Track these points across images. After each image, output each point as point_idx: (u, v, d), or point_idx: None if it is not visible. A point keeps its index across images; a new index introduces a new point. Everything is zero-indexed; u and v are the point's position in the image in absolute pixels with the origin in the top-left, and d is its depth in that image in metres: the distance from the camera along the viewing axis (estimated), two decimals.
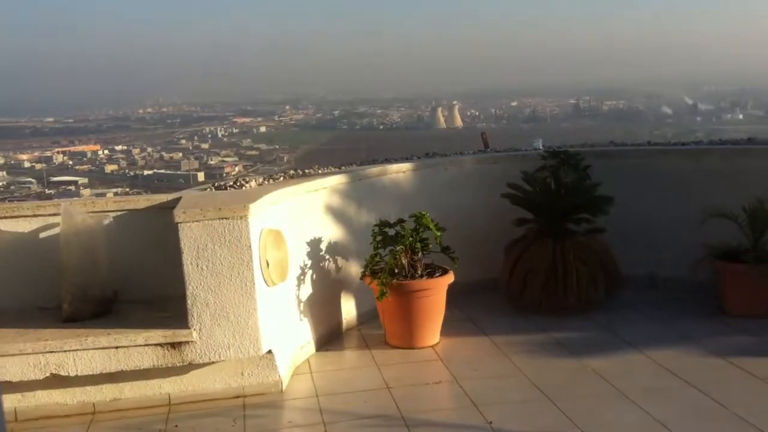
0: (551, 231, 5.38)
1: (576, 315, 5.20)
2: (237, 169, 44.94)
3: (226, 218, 3.78)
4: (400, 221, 4.78)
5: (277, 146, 55.98)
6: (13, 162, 49.10)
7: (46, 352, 3.66)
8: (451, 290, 4.90)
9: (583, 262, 5.22)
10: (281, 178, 5.01)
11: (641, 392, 3.86)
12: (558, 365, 4.39)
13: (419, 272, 4.73)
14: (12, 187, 40.34)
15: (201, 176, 41.59)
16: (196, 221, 3.76)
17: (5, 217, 4.15)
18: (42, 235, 4.20)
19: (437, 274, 4.80)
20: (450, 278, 4.81)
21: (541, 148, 6.35)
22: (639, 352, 4.52)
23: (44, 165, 47.72)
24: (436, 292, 4.76)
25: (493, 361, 4.50)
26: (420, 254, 4.74)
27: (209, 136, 60.05)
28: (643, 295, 5.65)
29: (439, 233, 4.73)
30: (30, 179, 43.20)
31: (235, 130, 63.38)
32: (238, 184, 4.74)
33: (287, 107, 79.05)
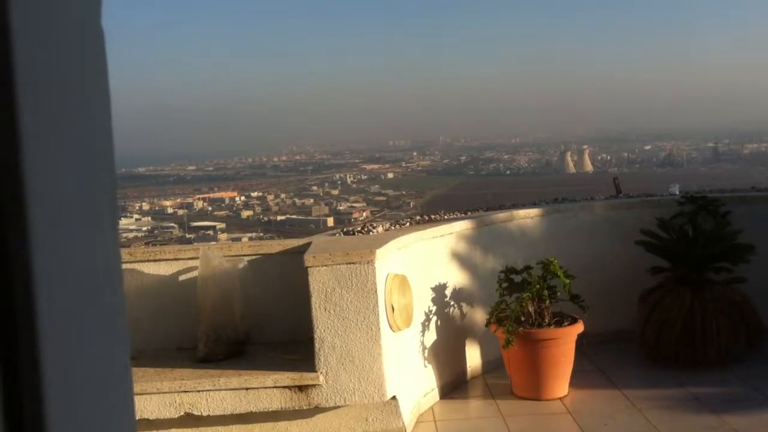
0: (689, 280, 5.12)
1: (715, 369, 4.89)
2: (365, 214, 45.81)
3: (353, 263, 3.84)
4: (527, 268, 4.69)
5: (404, 192, 56.70)
6: (157, 208, 52.31)
7: (181, 392, 3.82)
8: (581, 340, 4.73)
9: (723, 313, 4.92)
10: (407, 224, 5.06)
11: None
12: (695, 422, 4.13)
13: (547, 320, 4.61)
14: (155, 231, 42.88)
15: (330, 221, 42.66)
16: (325, 266, 3.84)
17: (149, 260, 4.41)
18: (181, 278, 4.42)
19: (566, 323, 4.66)
20: (579, 327, 4.66)
21: (677, 193, 6.08)
22: None
23: (185, 211, 50.56)
24: (564, 341, 4.62)
25: (625, 416, 4.29)
26: (548, 302, 4.63)
27: (339, 182, 61.72)
28: None
29: (567, 281, 4.61)
30: (172, 224, 45.81)
31: (363, 177, 64.83)
32: (366, 229, 4.82)
33: (414, 153, 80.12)
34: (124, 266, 4.42)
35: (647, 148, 74.44)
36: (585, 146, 72.39)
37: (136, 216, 47.58)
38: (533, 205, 5.87)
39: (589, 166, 66.29)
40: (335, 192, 57.08)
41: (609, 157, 71.18)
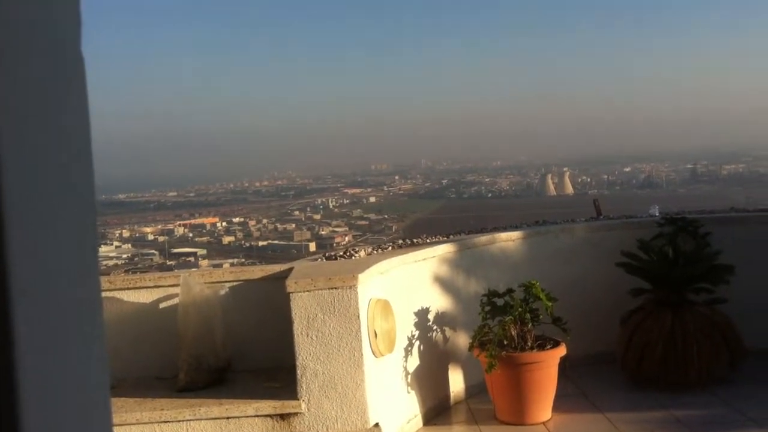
0: (669, 301, 5.15)
1: (697, 390, 4.90)
2: (347, 238, 45.72)
3: (335, 288, 3.83)
4: (510, 291, 4.70)
5: (386, 216, 56.73)
6: (137, 235, 51.91)
7: (162, 422, 3.76)
8: (564, 363, 4.73)
9: (705, 334, 4.95)
10: (390, 248, 5.06)
11: None
12: None
13: (529, 344, 4.61)
14: (136, 259, 42.51)
15: (313, 246, 42.53)
16: (307, 291, 3.83)
17: (129, 288, 4.37)
18: (162, 305, 4.38)
19: (548, 346, 4.66)
20: (562, 350, 4.66)
21: (657, 215, 6.14)
22: (765, 430, 4.19)
23: (166, 237, 50.21)
24: (547, 365, 4.62)
25: None
26: (530, 325, 4.63)
27: (321, 207, 61.64)
28: None
29: (550, 303, 4.62)
30: (153, 251, 45.44)
31: (345, 201, 64.80)
32: (348, 254, 4.81)
33: (396, 177, 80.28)
34: (103, 294, 4.36)
35: (627, 169, 75.14)
36: (565, 169, 72.95)
37: (116, 243, 47.17)
38: (515, 227, 5.90)
39: (569, 189, 66.76)
40: (317, 217, 57.00)
41: (589, 179, 71.73)
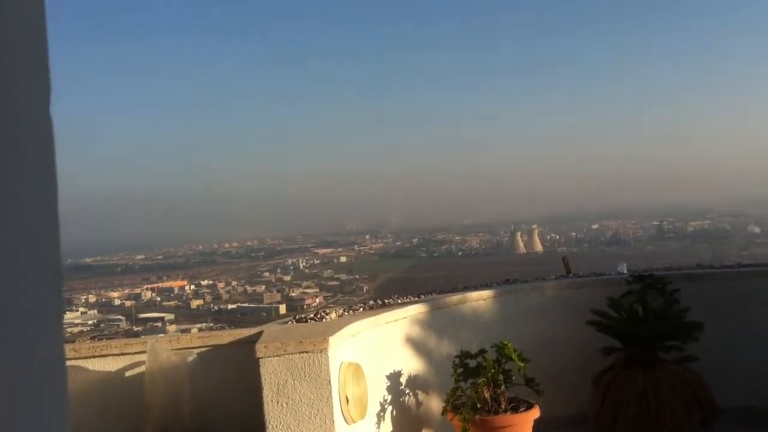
0: (641, 360, 5.15)
1: None
2: (317, 300, 45.44)
3: (306, 352, 3.78)
4: (482, 352, 4.67)
5: (357, 276, 56.59)
6: (104, 300, 51.04)
7: None
8: (537, 426, 4.69)
9: (676, 392, 4.94)
10: (361, 309, 5.02)
11: None
12: None
13: (503, 406, 4.56)
14: (102, 325, 41.68)
15: (283, 308, 42.14)
16: (277, 356, 3.77)
17: (94, 356, 4.26)
18: (128, 373, 4.28)
19: (522, 409, 4.62)
20: (536, 413, 4.62)
21: (625, 272, 6.19)
22: None
23: (133, 302, 49.42)
24: (521, 428, 4.57)
25: None
26: (503, 387, 4.59)
27: (291, 268, 61.33)
28: (741, 429, 5.26)
29: (522, 364, 4.60)
30: (119, 316, 44.65)
31: (316, 261, 64.62)
32: (319, 316, 4.77)
33: (367, 236, 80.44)
34: (68, 363, 4.25)
35: (594, 227, 76.16)
36: (534, 226, 73.73)
37: (81, 309, 46.28)
38: (485, 286, 5.91)
39: (538, 246, 67.33)
40: (287, 278, 56.64)
41: (558, 237, 72.51)
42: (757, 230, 62.43)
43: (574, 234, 72.77)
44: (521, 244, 67.90)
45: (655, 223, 71.86)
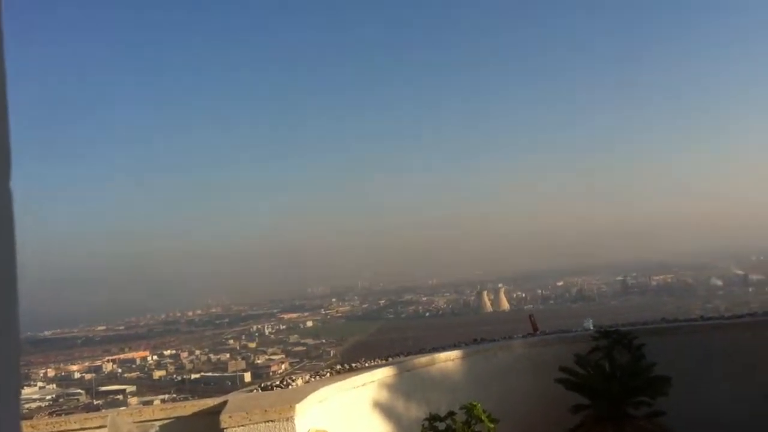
0: (610, 416, 5.13)
1: None
2: (283, 366, 44.73)
3: (272, 420, 3.70)
4: (451, 414, 4.61)
5: (324, 340, 56.01)
6: (63, 373, 49.61)
7: None
8: None
9: None
10: (328, 374, 4.95)
11: None
12: None
13: None
14: (61, 400, 40.41)
15: (248, 376, 41.37)
16: (242, 426, 3.68)
17: None
18: None
19: None
20: None
21: (591, 328, 6.23)
22: None
23: (93, 375, 48.11)
24: None
25: None
26: None
27: (257, 334, 60.50)
28: None
29: (492, 425, 4.55)
30: (79, 390, 43.37)
31: (282, 327, 63.86)
32: (285, 383, 4.69)
33: (333, 300, 79.95)
34: None
35: (560, 284, 76.81)
36: (500, 285, 74.08)
37: (40, 384, 44.88)
38: (454, 347, 5.88)
39: (505, 305, 67.54)
40: (253, 345, 55.82)
41: (524, 295, 72.88)
42: (719, 283, 63.48)
43: (540, 291, 73.23)
44: (488, 303, 68.05)
45: (619, 278, 72.74)
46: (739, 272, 67.33)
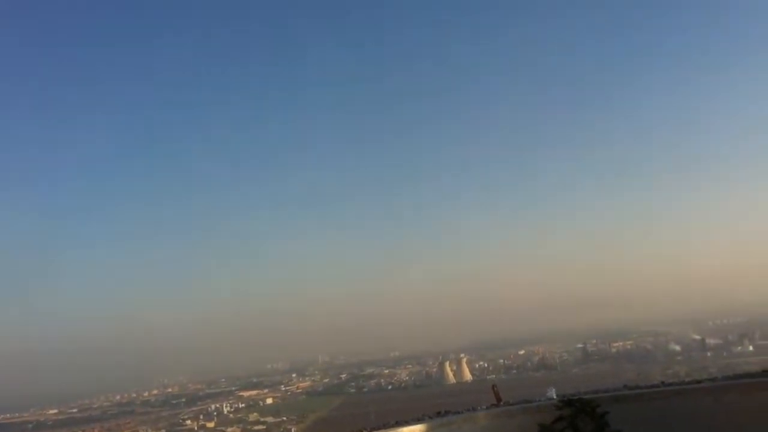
0: None
1: None
2: None
3: None
4: None
5: (285, 417, 54.90)
6: None
7: None
8: None
9: None
10: None
11: None
12: None
13: None
14: None
15: None
16: None
17: None
18: None
19: None
20: None
21: (554, 397, 6.21)
22: None
23: None
24: None
25: None
26: None
27: (215, 413, 58.98)
28: None
29: None
30: None
31: (241, 405, 62.41)
32: None
33: (294, 375, 78.66)
34: None
35: (521, 352, 76.98)
36: (462, 355, 73.97)
37: None
38: (417, 420, 5.80)
39: (468, 375, 67.21)
40: (211, 424, 54.46)
41: (486, 365, 72.74)
42: (678, 348, 64.02)
43: (501, 361, 73.08)
44: (450, 374, 67.56)
45: (579, 345, 73.10)
46: (697, 337, 68.32)
